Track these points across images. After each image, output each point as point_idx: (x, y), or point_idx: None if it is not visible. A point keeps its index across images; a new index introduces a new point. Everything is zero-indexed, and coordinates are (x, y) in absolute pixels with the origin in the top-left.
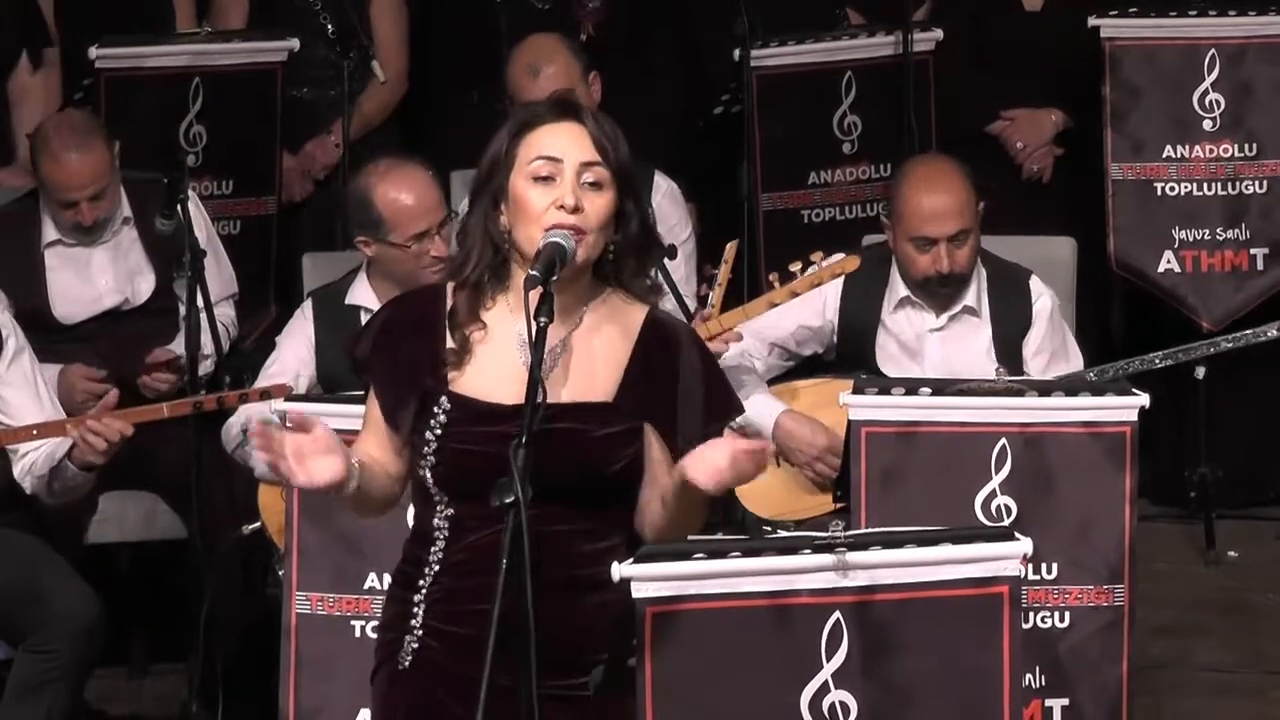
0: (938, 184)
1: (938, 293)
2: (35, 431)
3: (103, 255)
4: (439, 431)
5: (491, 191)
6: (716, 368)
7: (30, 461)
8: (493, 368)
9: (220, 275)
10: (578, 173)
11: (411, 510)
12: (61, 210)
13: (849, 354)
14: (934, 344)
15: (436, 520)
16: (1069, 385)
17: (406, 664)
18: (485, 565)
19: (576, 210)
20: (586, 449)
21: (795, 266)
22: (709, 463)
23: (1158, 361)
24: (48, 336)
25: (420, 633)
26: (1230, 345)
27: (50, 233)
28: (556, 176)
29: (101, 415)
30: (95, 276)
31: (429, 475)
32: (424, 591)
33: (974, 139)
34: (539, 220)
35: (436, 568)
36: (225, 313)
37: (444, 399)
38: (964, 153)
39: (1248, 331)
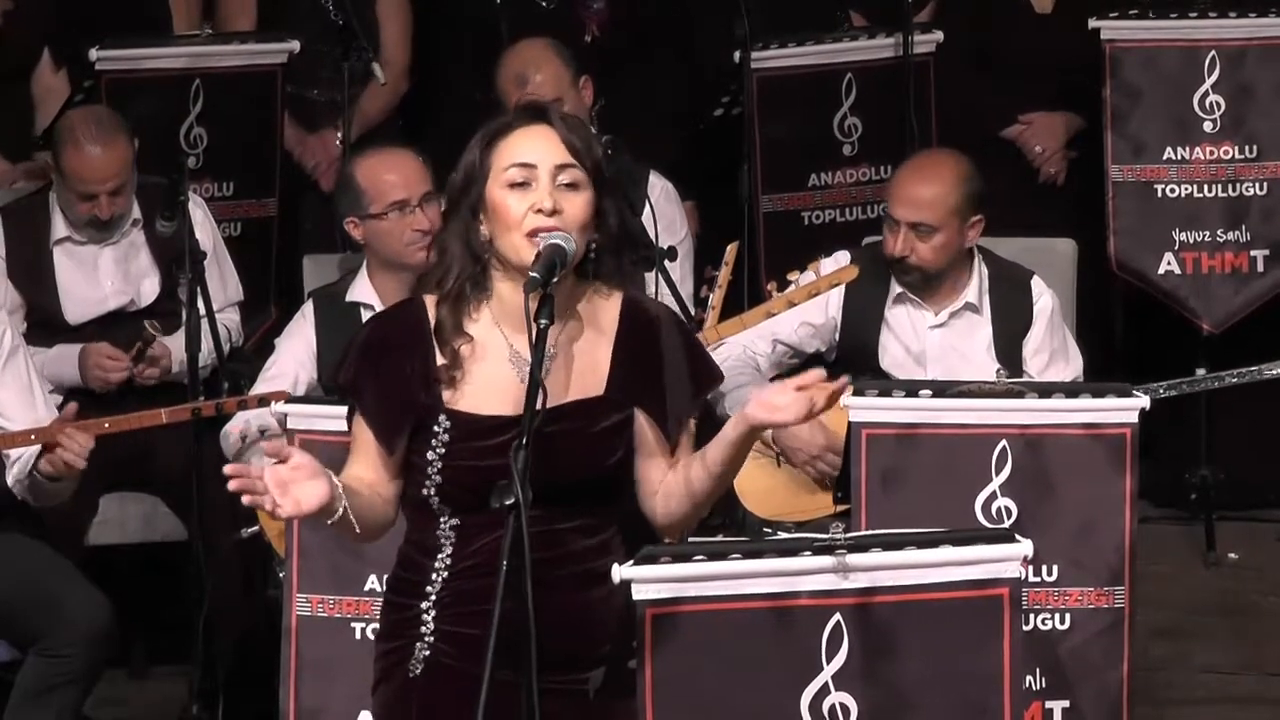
0: (922, 172)
1: (901, 277)
2: (33, 436)
3: (109, 256)
4: (441, 450)
5: (469, 203)
6: (695, 340)
7: (18, 470)
8: (485, 381)
9: (225, 282)
10: (553, 175)
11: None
12: (79, 203)
13: (851, 351)
14: (935, 340)
15: (440, 531)
16: (1069, 387)
17: (418, 671)
18: (490, 568)
19: (555, 213)
20: (588, 446)
21: (793, 275)
22: (776, 405)
23: (1161, 391)
24: (51, 334)
25: (431, 639)
26: (1235, 380)
27: (59, 229)
28: (532, 181)
29: (65, 426)
30: (101, 277)
31: (433, 493)
32: (433, 598)
33: (980, 143)
34: (519, 226)
35: (445, 574)
36: (230, 318)
37: (442, 417)
38: (970, 156)
39: (1253, 368)
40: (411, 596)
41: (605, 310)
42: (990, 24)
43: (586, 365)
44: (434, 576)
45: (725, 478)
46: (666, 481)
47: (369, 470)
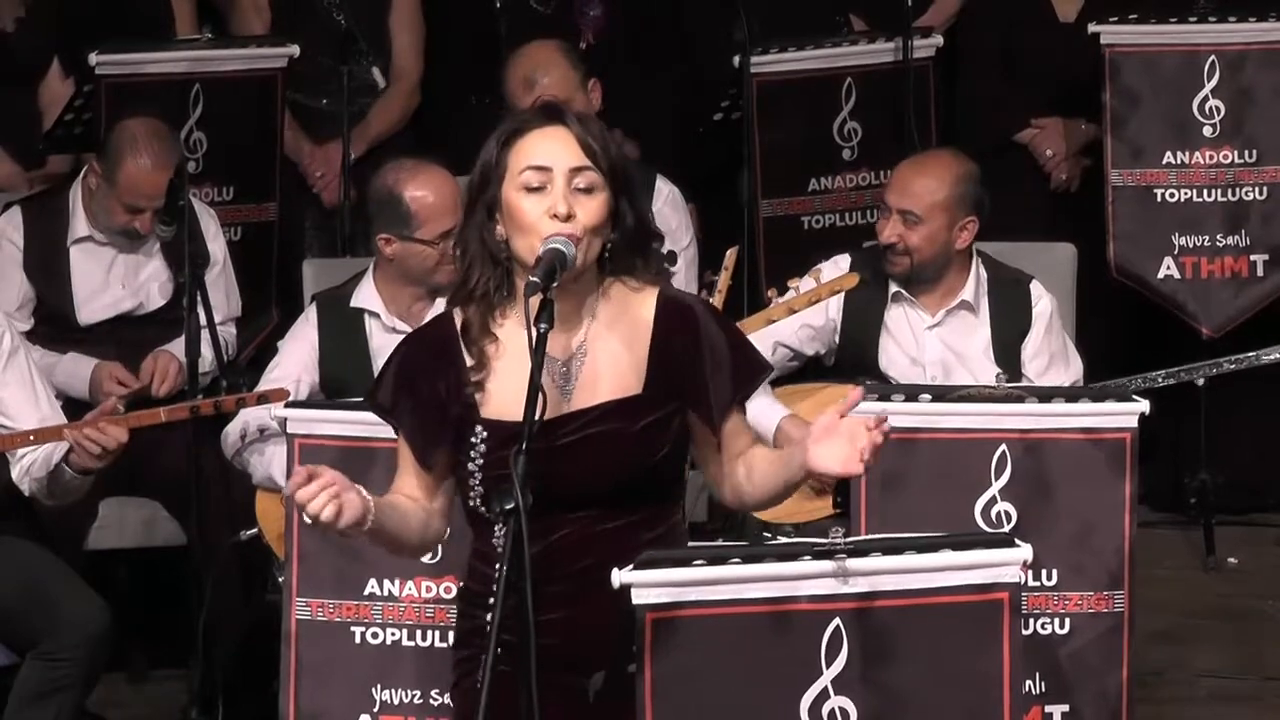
0: (920, 164)
1: (891, 269)
2: (32, 437)
3: (124, 259)
4: (480, 461)
5: (485, 203)
6: (737, 332)
7: (28, 464)
8: (516, 385)
9: (229, 295)
10: (568, 179)
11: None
12: (123, 213)
13: (851, 354)
14: (933, 342)
15: (495, 540)
16: (1069, 391)
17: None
18: (551, 574)
19: (569, 217)
20: (629, 446)
21: (794, 282)
22: (835, 457)
23: (1160, 380)
24: (60, 333)
25: (498, 650)
26: (1233, 367)
27: (80, 229)
28: (547, 185)
29: (99, 421)
30: (113, 279)
31: (479, 503)
32: (495, 607)
33: (996, 147)
34: (535, 230)
35: (499, 583)
36: (228, 331)
37: (479, 428)
38: (987, 163)
39: (1250, 354)
40: (478, 607)
41: (639, 306)
42: (1012, 30)
43: (624, 364)
44: (494, 588)
45: (793, 488)
46: (732, 474)
47: (416, 488)
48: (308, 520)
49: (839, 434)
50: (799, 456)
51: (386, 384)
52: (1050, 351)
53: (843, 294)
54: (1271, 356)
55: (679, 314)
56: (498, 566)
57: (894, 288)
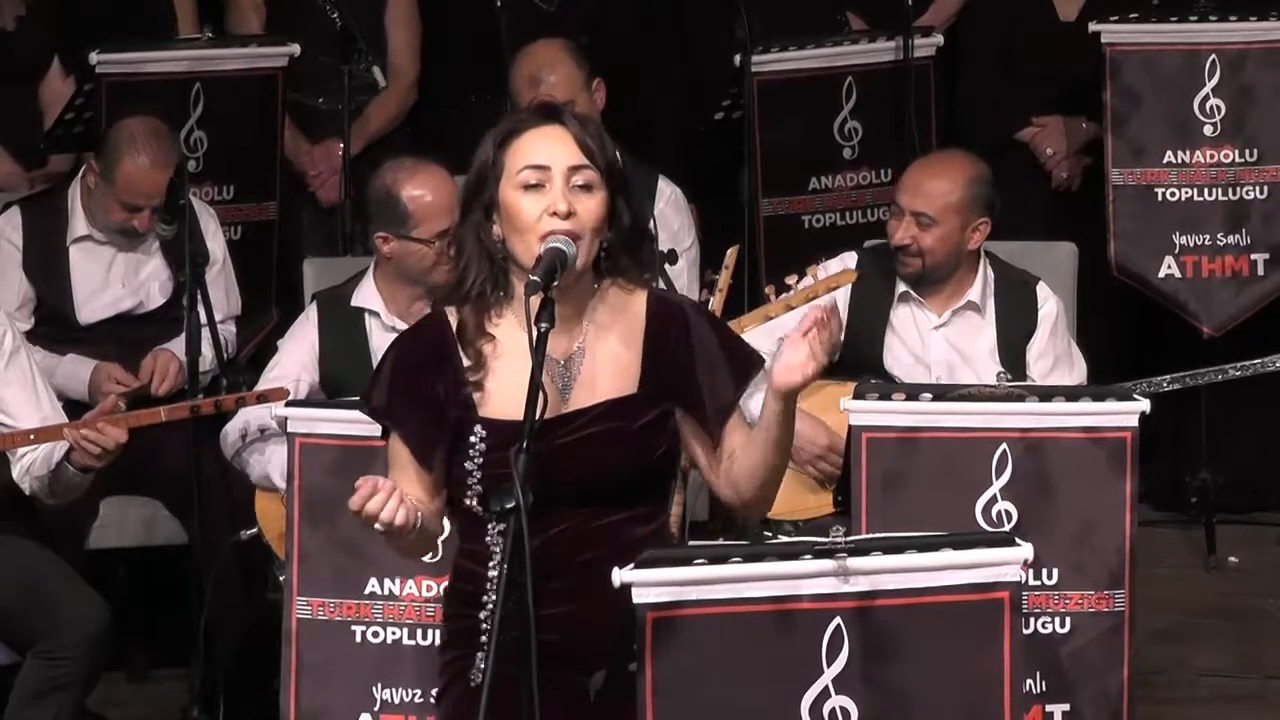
0: (932, 165)
1: (902, 270)
2: (33, 436)
3: (123, 258)
4: (479, 460)
5: (482, 203)
6: (728, 330)
7: (28, 463)
8: (514, 385)
9: (228, 294)
10: (566, 177)
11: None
12: (120, 211)
13: (856, 352)
14: (938, 341)
15: (489, 538)
16: (1070, 390)
17: (478, 680)
18: (550, 569)
19: (570, 215)
20: (627, 445)
21: (792, 279)
22: (791, 365)
23: (1165, 385)
24: (60, 332)
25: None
26: (1238, 374)
27: (79, 228)
28: (546, 183)
29: (98, 420)
30: (113, 278)
31: (475, 503)
32: (489, 607)
33: (997, 149)
34: (534, 229)
35: (500, 581)
36: (228, 330)
37: (478, 427)
38: (988, 163)
39: (1256, 361)
40: (470, 607)
41: (631, 307)
42: (1012, 29)
43: (619, 364)
44: (488, 586)
45: (781, 453)
46: (724, 470)
47: (412, 487)
48: (379, 529)
49: (795, 345)
50: (766, 405)
51: (381, 387)
52: (1055, 353)
53: (849, 292)
54: (1279, 364)
55: (670, 314)
56: (491, 565)
57: (901, 287)
